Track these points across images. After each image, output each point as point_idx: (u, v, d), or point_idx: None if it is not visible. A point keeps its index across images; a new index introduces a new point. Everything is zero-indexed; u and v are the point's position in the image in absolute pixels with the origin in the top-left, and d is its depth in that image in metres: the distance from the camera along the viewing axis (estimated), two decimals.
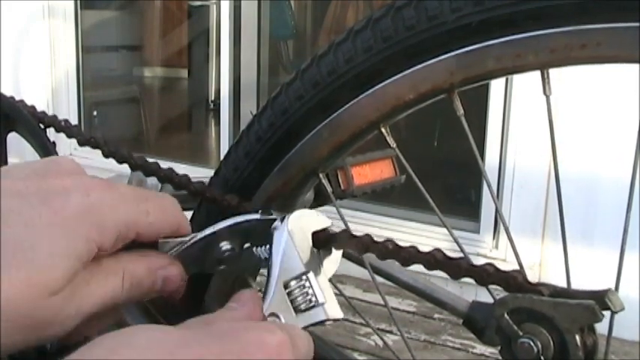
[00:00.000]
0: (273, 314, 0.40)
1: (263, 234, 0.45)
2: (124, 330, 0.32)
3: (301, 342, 0.36)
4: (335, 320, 0.41)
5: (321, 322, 0.41)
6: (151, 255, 0.40)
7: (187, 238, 0.43)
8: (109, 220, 0.36)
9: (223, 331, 0.33)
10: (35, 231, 0.34)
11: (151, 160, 0.59)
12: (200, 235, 0.44)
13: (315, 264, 0.43)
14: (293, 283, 0.41)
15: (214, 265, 0.45)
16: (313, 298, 0.41)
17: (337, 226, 0.46)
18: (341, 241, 0.45)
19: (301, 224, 0.44)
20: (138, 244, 0.40)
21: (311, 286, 0.41)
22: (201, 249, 0.44)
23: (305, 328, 0.40)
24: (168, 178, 0.56)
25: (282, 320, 0.40)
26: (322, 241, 0.44)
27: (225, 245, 0.44)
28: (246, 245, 0.46)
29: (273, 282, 0.41)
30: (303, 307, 0.41)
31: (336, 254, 0.46)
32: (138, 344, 0.30)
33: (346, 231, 0.46)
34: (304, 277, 0.42)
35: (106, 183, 0.38)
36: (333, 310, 0.41)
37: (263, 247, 0.46)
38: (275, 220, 0.44)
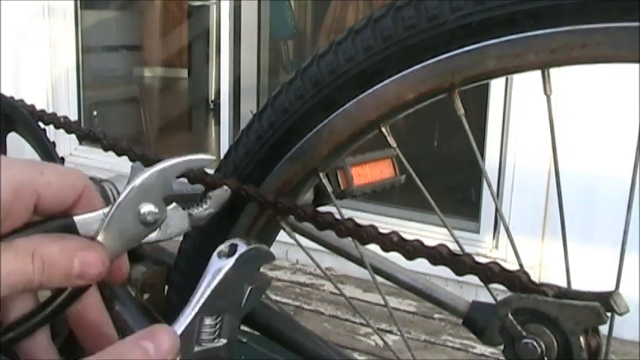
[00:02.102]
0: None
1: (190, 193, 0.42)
2: None
3: None
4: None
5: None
6: (67, 237, 0.39)
7: (107, 210, 0.39)
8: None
9: None
10: None
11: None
12: (115, 204, 0.40)
13: (238, 302, 0.41)
14: (209, 320, 0.40)
15: (145, 232, 0.41)
16: (217, 338, 0.40)
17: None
18: (282, 210, 0.45)
19: (248, 262, 0.41)
20: (54, 225, 0.39)
21: (221, 326, 0.40)
22: (124, 220, 0.40)
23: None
24: None
25: (182, 350, 0.38)
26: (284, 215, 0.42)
27: (144, 207, 0.40)
28: (172, 206, 0.42)
29: (191, 314, 0.39)
30: (204, 342, 0.40)
31: (260, 292, 0.43)
32: None
33: (311, 206, 0.45)
34: (222, 317, 0.40)
35: None
36: (227, 351, 0.41)
37: (198, 206, 0.43)
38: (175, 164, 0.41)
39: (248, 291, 0.42)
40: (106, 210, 0.39)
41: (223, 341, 0.41)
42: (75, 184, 0.39)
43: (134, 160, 0.59)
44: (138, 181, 0.40)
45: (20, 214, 0.37)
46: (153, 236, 0.42)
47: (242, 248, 0.41)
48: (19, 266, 0.36)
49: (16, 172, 0.37)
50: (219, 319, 0.40)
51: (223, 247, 0.42)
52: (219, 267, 0.40)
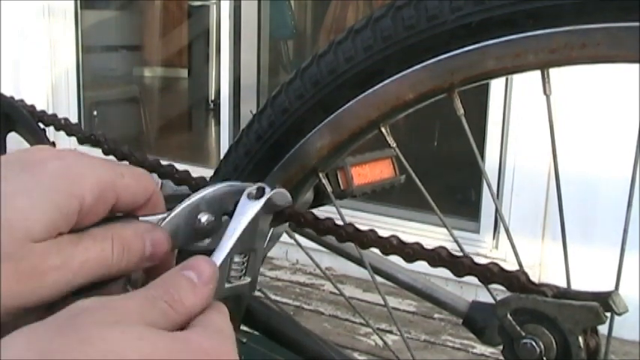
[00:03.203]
0: None
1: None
2: (108, 330, 0.31)
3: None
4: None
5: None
6: (135, 221, 0.41)
7: (166, 214, 0.42)
8: (87, 175, 0.38)
9: (199, 349, 0.34)
10: (16, 188, 0.36)
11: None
12: (178, 208, 0.43)
13: (262, 242, 0.44)
14: (237, 257, 0.42)
15: (197, 238, 0.44)
16: (243, 275, 0.43)
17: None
18: (282, 216, 0.46)
19: (274, 202, 0.44)
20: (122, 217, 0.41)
21: (247, 263, 0.43)
22: (181, 222, 0.43)
23: (224, 297, 0.41)
24: (168, 173, 0.55)
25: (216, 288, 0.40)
26: (286, 220, 0.45)
27: (203, 217, 0.44)
28: (225, 218, 0.45)
29: (225, 251, 0.41)
30: (232, 280, 0.42)
31: (279, 233, 0.47)
32: (125, 355, 0.31)
33: (311, 212, 0.46)
34: (248, 254, 0.43)
35: (81, 152, 0.40)
36: (252, 287, 0.44)
37: None
38: (240, 186, 0.44)
39: (270, 232, 0.45)
40: (166, 214, 0.42)
41: (248, 279, 0.43)
42: (147, 187, 0.42)
43: (134, 165, 0.59)
44: (205, 192, 0.44)
45: (99, 213, 0.39)
46: (203, 244, 0.45)
47: (269, 191, 0.44)
48: (98, 251, 0.37)
49: (101, 174, 0.39)
50: (246, 257, 0.43)
51: (252, 189, 0.44)
52: (249, 207, 0.43)
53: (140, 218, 0.42)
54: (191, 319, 0.36)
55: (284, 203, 0.45)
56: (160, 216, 0.42)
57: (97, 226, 0.39)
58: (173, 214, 0.42)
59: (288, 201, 0.46)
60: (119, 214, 0.41)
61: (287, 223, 0.47)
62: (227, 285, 0.42)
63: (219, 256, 0.41)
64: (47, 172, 0.37)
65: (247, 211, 0.43)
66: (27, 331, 0.31)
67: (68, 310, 0.33)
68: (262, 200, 0.43)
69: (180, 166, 0.56)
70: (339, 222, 0.46)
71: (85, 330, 0.31)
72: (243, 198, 0.44)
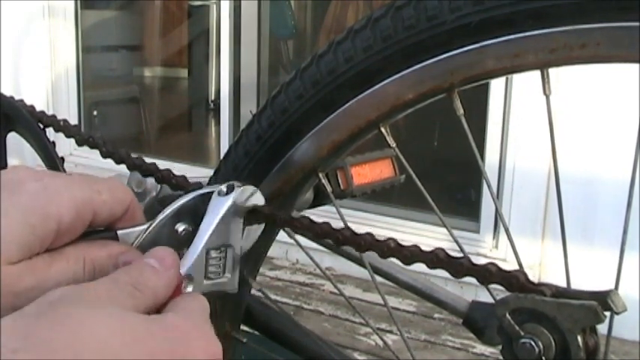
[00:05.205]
0: (188, 276, 0.42)
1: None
2: (84, 311, 0.33)
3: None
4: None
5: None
6: (110, 243, 0.42)
7: (146, 227, 0.44)
8: (64, 196, 0.39)
9: (174, 328, 0.35)
10: None
11: (150, 160, 0.59)
12: (156, 220, 0.45)
13: (237, 238, 0.46)
14: (214, 252, 0.44)
15: (178, 247, 0.45)
16: (222, 271, 0.45)
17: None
18: (279, 222, 0.47)
19: (244, 198, 0.46)
20: (99, 237, 0.42)
21: (225, 259, 0.45)
22: (160, 234, 0.45)
23: (204, 293, 0.42)
24: (165, 178, 0.56)
25: (194, 283, 0.42)
26: (258, 219, 0.46)
27: (180, 227, 0.45)
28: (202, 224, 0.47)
29: (200, 245, 0.43)
30: (212, 275, 0.44)
31: (256, 233, 0.49)
32: (100, 333, 0.32)
33: (308, 217, 0.47)
34: (224, 249, 0.44)
35: (57, 172, 0.42)
36: (232, 285, 0.46)
37: None
38: (212, 192, 0.46)
39: (246, 229, 0.47)
40: (146, 226, 0.44)
41: (228, 276, 0.45)
42: (124, 201, 0.43)
43: (132, 168, 0.59)
44: (179, 203, 0.46)
45: (77, 231, 0.40)
46: (183, 250, 0.46)
47: (239, 186, 0.46)
48: (71, 274, 0.39)
49: (78, 193, 0.39)
50: (222, 253, 0.44)
51: (222, 187, 0.46)
52: (220, 203, 0.45)
53: (119, 232, 0.43)
54: (161, 305, 0.37)
55: (253, 199, 0.47)
56: (138, 229, 0.43)
57: (72, 244, 0.40)
58: (149, 229, 0.44)
59: (259, 197, 0.47)
60: (98, 228, 0.42)
61: (263, 222, 0.48)
62: (207, 282, 0.43)
63: (194, 250, 0.43)
64: (24, 192, 0.38)
65: (218, 207, 0.44)
66: (9, 319, 0.32)
67: (45, 297, 0.34)
68: (231, 196, 0.45)
69: (180, 167, 0.56)
70: (336, 226, 0.46)
71: (58, 313, 0.32)
72: (214, 195, 0.45)
